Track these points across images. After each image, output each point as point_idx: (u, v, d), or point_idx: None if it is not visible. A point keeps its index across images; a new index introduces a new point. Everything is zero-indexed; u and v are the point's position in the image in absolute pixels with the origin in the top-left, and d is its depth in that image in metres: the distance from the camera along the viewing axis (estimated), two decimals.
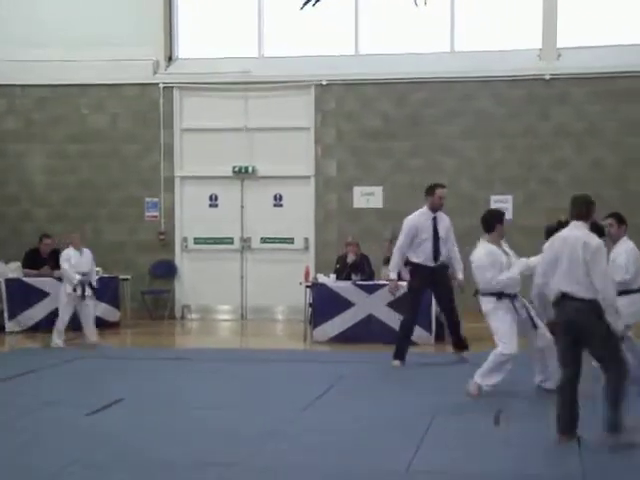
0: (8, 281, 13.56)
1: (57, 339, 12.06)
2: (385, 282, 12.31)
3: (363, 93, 15.15)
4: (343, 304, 12.33)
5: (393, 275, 10.51)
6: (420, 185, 14.63)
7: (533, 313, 8.36)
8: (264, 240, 15.47)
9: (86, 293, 11.97)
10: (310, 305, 12.76)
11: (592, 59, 14.45)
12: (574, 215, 6.87)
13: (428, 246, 10.29)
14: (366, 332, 12.19)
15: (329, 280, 12.72)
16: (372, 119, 15.10)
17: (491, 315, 8.46)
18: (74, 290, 11.86)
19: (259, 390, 8.99)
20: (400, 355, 10.26)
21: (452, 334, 10.68)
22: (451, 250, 10.48)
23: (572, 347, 6.72)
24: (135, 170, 15.65)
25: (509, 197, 14.59)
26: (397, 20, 14.95)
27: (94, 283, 12.15)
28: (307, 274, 13.07)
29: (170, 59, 15.86)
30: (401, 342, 10.39)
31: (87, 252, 12.22)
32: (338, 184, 15.25)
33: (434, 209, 10.40)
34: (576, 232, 6.74)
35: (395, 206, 14.91)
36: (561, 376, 6.79)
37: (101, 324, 13.80)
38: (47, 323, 13.39)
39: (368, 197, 15.10)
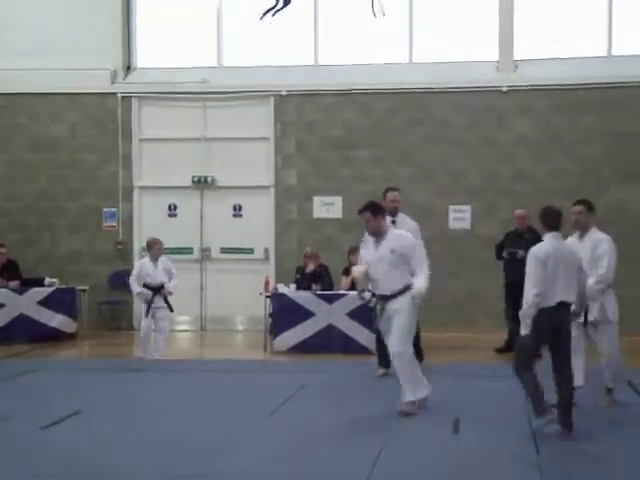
0: None
1: (139, 350, 12.03)
2: (345, 292, 12.38)
3: (322, 103, 15.16)
4: (303, 314, 12.33)
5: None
6: (380, 194, 14.78)
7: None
8: (224, 250, 15.41)
9: (156, 305, 11.83)
10: (270, 315, 12.74)
11: (549, 71, 14.57)
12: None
13: None
14: (326, 342, 12.23)
15: (289, 290, 12.72)
16: (331, 129, 15.11)
17: None
18: (146, 303, 11.80)
19: (219, 400, 8.93)
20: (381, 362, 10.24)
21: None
22: None
23: None
24: (94, 180, 15.52)
25: (467, 207, 14.66)
26: (356, 31, 15.02)
27: (168, 295, 11.92)
28: (267, 284, 13.04)
29: (128, 68, 15.75)
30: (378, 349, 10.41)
31: (163, 261, 12.06)
32: (298, 194, 15.24)
33: (390, 213, 10.47)
34: None
35: (355, 216, 14.79)
36: None
37: (57, 335, 13.68)
38: (1, 335, 13.25)
39: (328, 207, 15.10)
